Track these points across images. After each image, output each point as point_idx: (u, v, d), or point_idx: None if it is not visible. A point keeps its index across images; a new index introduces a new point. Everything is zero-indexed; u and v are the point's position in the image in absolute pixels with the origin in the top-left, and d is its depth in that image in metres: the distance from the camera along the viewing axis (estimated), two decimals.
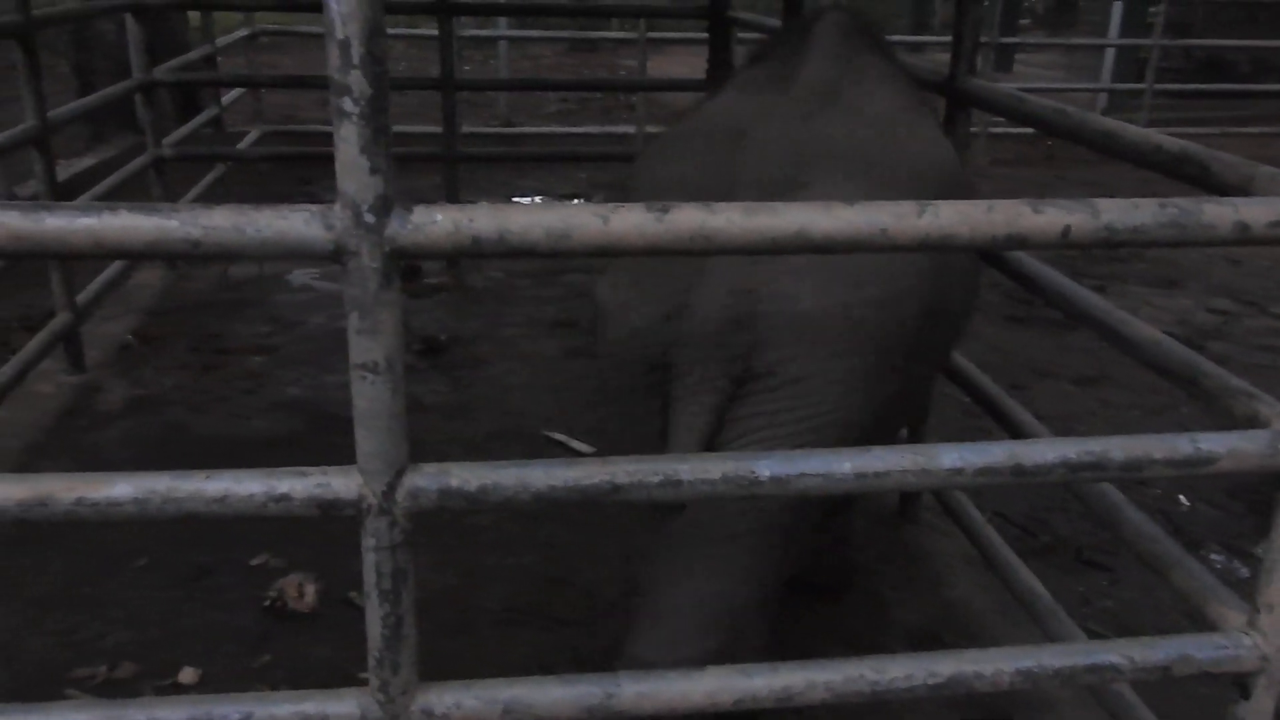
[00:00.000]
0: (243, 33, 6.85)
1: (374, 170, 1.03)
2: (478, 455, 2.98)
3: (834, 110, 1.88)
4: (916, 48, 8.87)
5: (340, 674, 2.09)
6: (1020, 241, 1.17)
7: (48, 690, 2.00)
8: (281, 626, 2.26)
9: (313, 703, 1.24)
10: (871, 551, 2.62)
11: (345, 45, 0.99)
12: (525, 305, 4.25)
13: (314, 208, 1.05)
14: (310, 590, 2.33)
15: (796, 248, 1.16)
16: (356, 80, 1.00)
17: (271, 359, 3.64)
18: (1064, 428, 3.36)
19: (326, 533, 2.49)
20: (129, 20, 4.32)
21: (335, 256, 1.06)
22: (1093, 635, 2.25)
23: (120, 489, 1.10)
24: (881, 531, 2.71)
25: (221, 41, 6.42)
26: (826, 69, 1.98)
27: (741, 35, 4.47)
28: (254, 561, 2.46)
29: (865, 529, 2.72)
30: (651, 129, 7.72)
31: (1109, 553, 2.81)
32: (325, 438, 3.08)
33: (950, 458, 1.26)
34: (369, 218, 1.04)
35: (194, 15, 7.18)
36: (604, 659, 2.19)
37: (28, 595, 2.31)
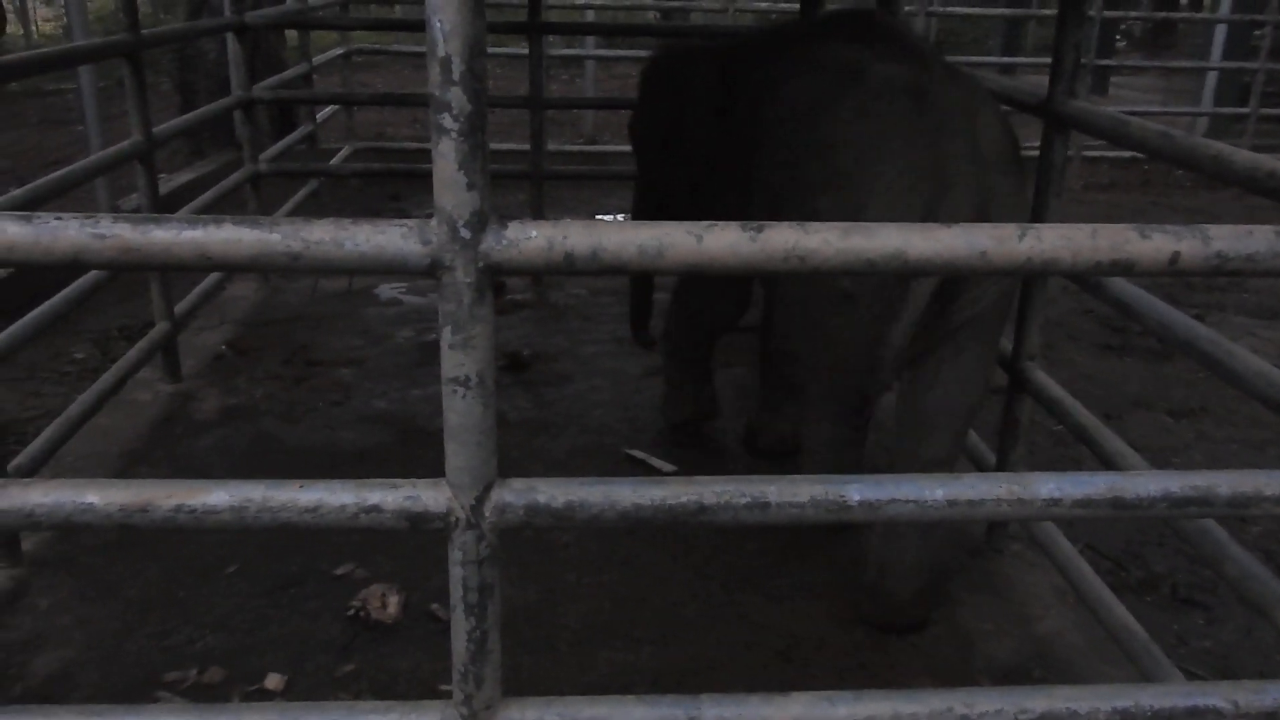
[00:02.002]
0: (338, 51, 7.03)
1: (471, 186, 1.04)
2: (559, 472, 3.00)
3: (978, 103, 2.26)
4: (1007, 69, 8.73)
5: (422, 685, 2.11)
6: (1126, 268, 1.14)
7: (141, 691, 2.05)
8: (365, 636, 2.28)
9: (397, 713, 1.25)
10: (958, 582, 2.56)
11: (447, 63, 1.00)
12: (608, 323, 4.27)
13: (411, 222, 1.07)
14: (393, 601, 2.35)
15: (892, 269, 1.14)
16: (456, 97, 1.01)
17: (360, 371, 3.71)
18: (1160, 461, 3.25)
19: (410, 545, 2.54)
20: (230, 39, 4.46)
21: (431, 271, 1.07)
22: (1190, 677, 2.16)
23: (217, 497, 1.13)
24: (969, 562, 2.65)
25: (318, 60, 6.59)
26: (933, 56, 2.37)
27: None
28: (339, 571, 2.49)
29: (952, 561, 2.66)
30: None
31: (1206, 591, 2.71)
32: (411, 451, 3.12)
33: (1047, 488, 1.22)
34: (465, 233, 1.05)
35: (291, 34, 7.40)
36: (683, 679, 2.18)
37: (125, 599, 2.37)
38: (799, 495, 1.20)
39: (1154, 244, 1.12)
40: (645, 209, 3.29)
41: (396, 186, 6.41)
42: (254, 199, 4.56)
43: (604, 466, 3.07)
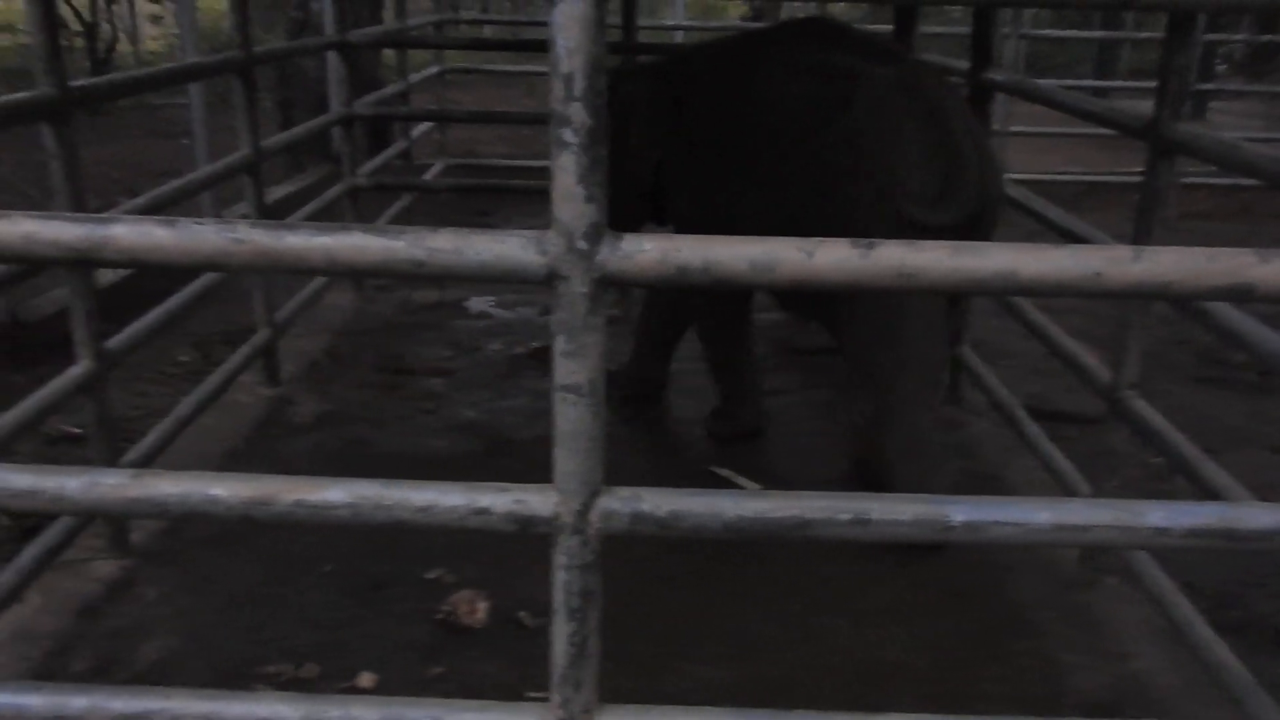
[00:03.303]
0: (433, 70, 7.19)
1: (589, 199, 1.07)
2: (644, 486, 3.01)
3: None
4: (1101, 93, 8.58)
5: (508, 691, 2.14)
6: (1244, 293, 1.12)
7: (240, 683, 2.12)
8: (453, 640, 2.33)
9: (495, 714, 1.28)
10: (1048, 613, 2.52)
11: (569, 79, 1.04)
12: (692, 340, 4.26)
13: (529, 233, 1.10)
14: (481, 607, 2.39)
15: (1002, 289, 1.14)
16: (577, 112, 1.04)
17: (450, 382, 3.78)
18: (1263, 499, 3.15)
19: (498, 552, 2.57)
20: (330, 57, 4.60)
21: (547, 281, 1.10)
22: None
23: (334, 493, 1.17)
24: (1059, 593, 2.60)
25: (414, 78, 6.75)
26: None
27: None
28: (429, 576, 2.54)
29: (1041, 590, 2.61)
30: None
31: None
32: (498, 461, 3.17)
33: (1156, 516, 1.20)
34: (581, 244, 1.08)
35: (387, 53, 7.59)
36: (763, 697, 2.18)
37: (225, 593, 2.45)
38: (901, 514, 1.20)
39: (1274, 268, 1.10)
40: None
41: (485, 202, 6.52)
42: (351, 211, 4.69)
43: (688, 483, 3.07)
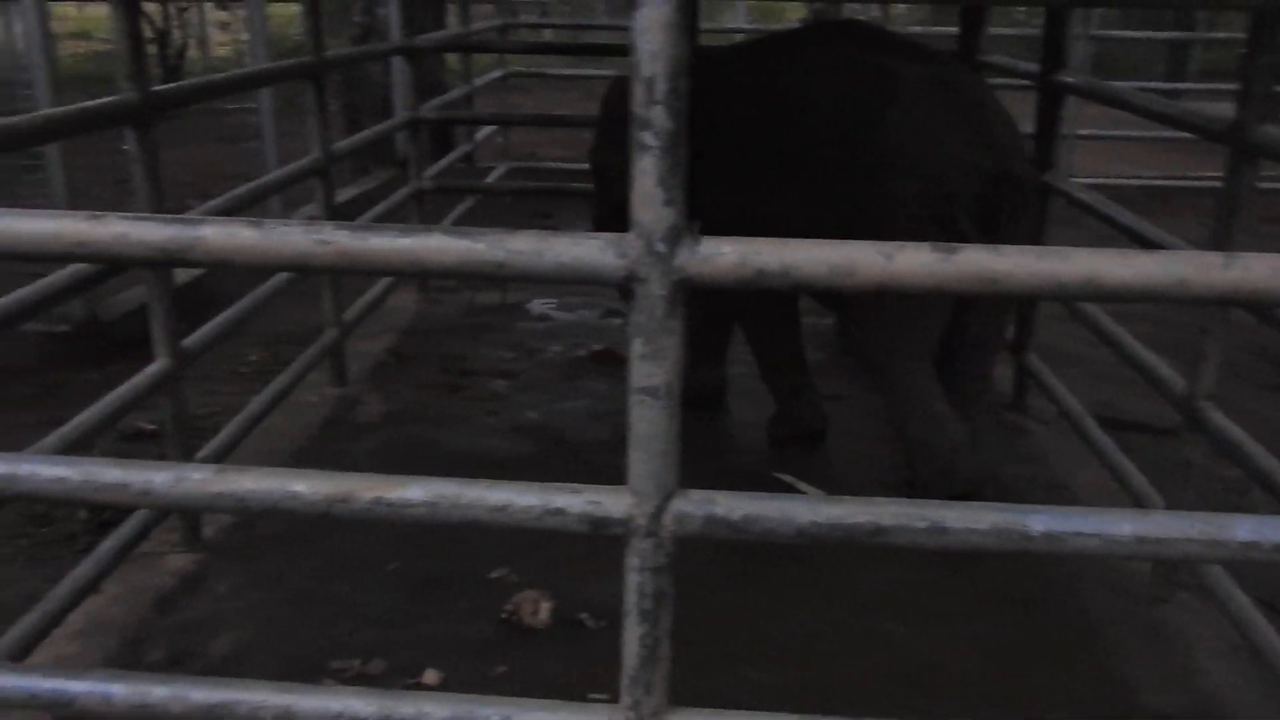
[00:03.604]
0: (496, 74, 7.25)
1: (668, 202, 1.07)
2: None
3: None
4: (1172, 94, 8.39)
5: (570, 692, 2.14)
6: None
7: (308, 677, 2.15)
8: (516, 640, 2.34)
9: (565, 713, 1.28)
10: (1117, 626, 2.47)
11: (651, 82, 1.04)
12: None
13: (608, 236, 1.10)
14: (544, 608, 2.40)
15: (1085, 295, 1.12)
16: (658, 115, 1.04)
17: (512, 383, 3.81)
18: None
19: (561, 553, 2.58)
20: (397, 62, 4.66)
21: (626, 283, 1.10)
22: None
23: (413, 492, 1.18)
24: (1130, 607, 2.55)
25: (476, 82, 6.82)
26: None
27: (992, 81, 4.35)
28: (492, 575, 2.56)
29: (1110, 602, 2.56)
30: None
31: None
32: (560, 463, 3.19)
33: (1244, 529, 1.17)
34: (660, 247, 1.08)
35: (450, 57, 7.67)
36: (824, 702, 2.16)
37: (294, 588, 2.50)
38: (979, 522, 1.18)
39: None
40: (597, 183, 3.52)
41: (546, 204, 6.56)
42: (416, 214, 4.74)
43: (750, 489, 3.06)
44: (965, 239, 2.68)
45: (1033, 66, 3.43)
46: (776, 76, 2.94)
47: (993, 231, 2.62)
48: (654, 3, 1.01)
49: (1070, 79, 3.30)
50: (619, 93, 3.35)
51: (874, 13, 8.09)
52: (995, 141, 2.70)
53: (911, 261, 1.09)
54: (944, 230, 2.59)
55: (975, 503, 1.21)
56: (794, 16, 11.63)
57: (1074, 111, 6.71)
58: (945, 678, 2.27)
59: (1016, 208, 2.69)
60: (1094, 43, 7.38)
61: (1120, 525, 1.18)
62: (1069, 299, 1.16)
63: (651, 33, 1.02)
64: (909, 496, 3.01)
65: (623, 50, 5.29)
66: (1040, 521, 1.18)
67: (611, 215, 3.40)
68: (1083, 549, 1.19)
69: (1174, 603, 2.56)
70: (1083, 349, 4.15)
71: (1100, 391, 3.72)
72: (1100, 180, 6.20)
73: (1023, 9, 11.56)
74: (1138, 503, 2.68)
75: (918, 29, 8.41)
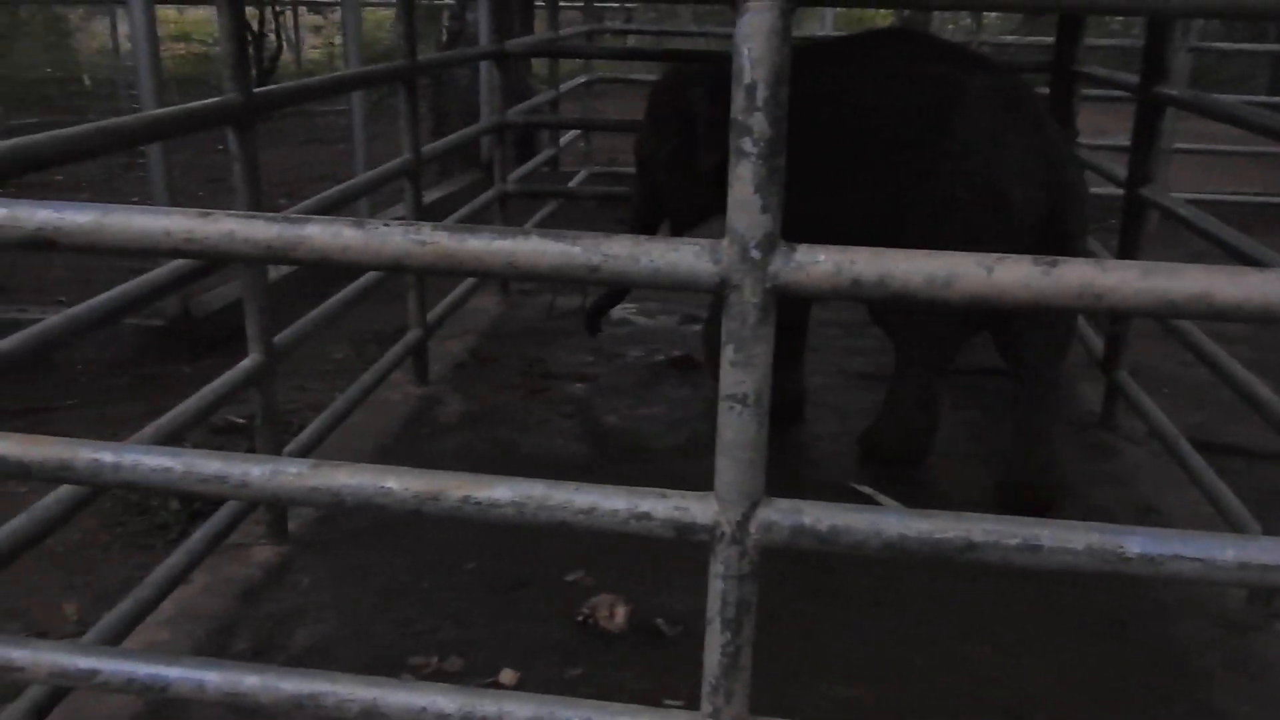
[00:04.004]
0: (581, 79, 7.30)
1: (765, 209, 1.07)
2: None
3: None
4: (1276, 108, 8.12)
5: (645, 698, 2.14)
6: None
7: (388, 671, 2.17)
8: (591, 643, 2.35)
9: (646, 718, 1.28)
10: (1212, 655, 2.39)
11: (751, 89, 1.03)
12: (835, 355, 4.23)
13: (703, 242, 1.10)
14: (620, 612, 2.41)
15: (1195, 313, 1.08)
16: (758, 122, 1.04)
17: (591, 387, 3.83)
18: None
19: (638, 558, 2.58)
20: (485, 67, 4.72)
21: (719, 289, 1.10)
22: None
23: (501, 491, 1.19)
24: (1223, 634, 2.46)
25: (563, 88, 6.87)
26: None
27: (1087, 92, 4.25)
28: (569, 578, 2.57)
29: (1204, 629, 2.48)
30: None
31: None
32: (638, 468, 3.19)
33: None
34: (755, 254, 1.08)
35: (537, 62, 7.74)
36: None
37: (374, 584, 2.54)
38: (1074, 541, 1.15)
39: None
40: (645, 227, 3.62)
41: (628, 209, 6.57)
42: (499, 217, 4.79)
43: (828, 500, 3.03)
44: (1016, 249, 2.68)
45: (1132, 78, 3.35)
46: (833, 83, 2.97)
47: (1047, 243, 2.67)
48: (759, 9, 1.00)
49: (1172, 91, 3.21)
50: (667, 86, 3.46)
51: (965, 20, 7.96)
52: (1055, 153, 2.80)
53: (1011, 274, 1.07)
54: (997, 239, 2.59)
55: (1071, 521, 1.18)
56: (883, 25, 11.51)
57: (1168, 125, 6.54)
58: (1030, 705, 2.22)
59: (1071, 219, 2.78)
60: (1193, 55, 7.17)
61: (1222, 550, 1.15)
62: (1177, 317, 1.13)
63: (755, 39, 1.02)
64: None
65: (705, 56, 5.32)
66: (1138, 543, 1.15)
67: (648, 206, 3.57)
68: (1181, 573, 1.16)
69: (1270, 631, 2.47)
70: (1176, 368, 4.04)
71: (1194, 413, 3.60)
72: (1196, 196, 6.01)
73: (1118, 20, 11.30)
74: (1234, 528, 2.59)
75: (1010, 39, 8.27)
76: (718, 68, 3.29)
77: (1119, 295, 1.06)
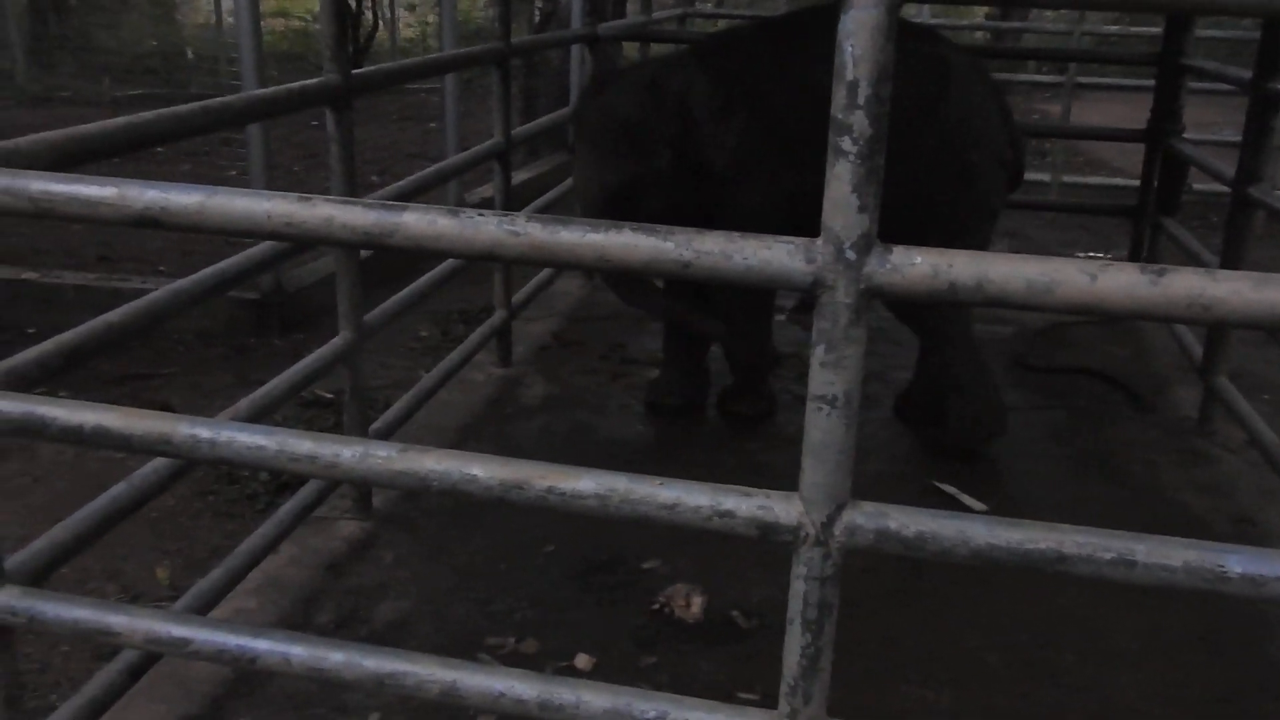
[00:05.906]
0: None
1: (862, 209, 1.05)
2: (862, 498, 2.94)
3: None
4: None
5: (719, 690, 2.14)
6: None
7: (465, 650, 2.21)
8: (666, 632, 2.35)
9: (723, 715, 1.28)
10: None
11: (853, 86, 1.02)
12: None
13: (798, 240, 1.09)
14: (696, 602, 2.41)
15: None
16: (859, 120, 1.02)
17: None
18: None
19: (716, 549, 2.58)
20: (577, 49, 4.72)
21: (812, 289, 1.08)
22: None
23: (585, 483, 1.20)
24: None
25: None
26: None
27: (1194, 85, 4.11)
28: (645, 565, 2.58)
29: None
30: (1067, 178, 7.31)
31: None
32: (715, 457, 3.18)
33: None
34: (850, 254, 1.06)
35: (628, 45, 7.73)
36: None
37: (455, 563, 2.58)
38: (1171, 558, 1.12)
39: None
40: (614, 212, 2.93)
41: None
42: None
43: (908, 497, 2.98)
44: (1002, 199, 3.14)
45: (1244, 72, 3.22)
46: (820, 61, 2.80)
47: (1011, 184, 3.12)
48: (865, 5, 0.98)
49: None
50: (628, 98, 3.01)
51: (1063, 15, 7.73)
52: (1008, 108, 3.12)
53: (1116, 282, 1.04)
54: (999, 195, 3.08)
55: (1169, 538, 1.14)
56: (979, 14, 11.24)
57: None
58: (1115, 716, 2.17)
59: (1022, 162, 3.12)
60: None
61: None
62: None
63: (859, 35, 1.00)
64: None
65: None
66: (1239, 562, 1.11)
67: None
68: None
69: None
70: (1278, 374, 3.90)
71: None
72: None
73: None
74: None
75: (1113, 29, 8.02)
76: (701, 52, 3.08)
77: (1228, 307, 1.03)
